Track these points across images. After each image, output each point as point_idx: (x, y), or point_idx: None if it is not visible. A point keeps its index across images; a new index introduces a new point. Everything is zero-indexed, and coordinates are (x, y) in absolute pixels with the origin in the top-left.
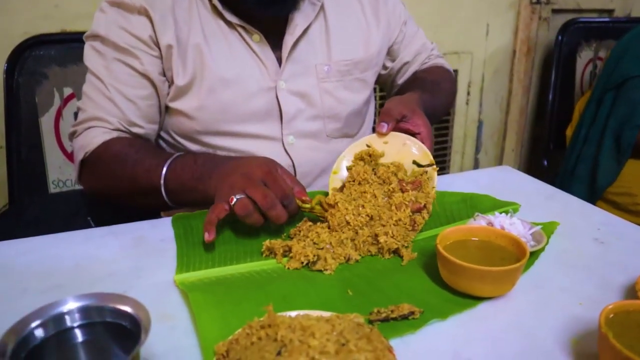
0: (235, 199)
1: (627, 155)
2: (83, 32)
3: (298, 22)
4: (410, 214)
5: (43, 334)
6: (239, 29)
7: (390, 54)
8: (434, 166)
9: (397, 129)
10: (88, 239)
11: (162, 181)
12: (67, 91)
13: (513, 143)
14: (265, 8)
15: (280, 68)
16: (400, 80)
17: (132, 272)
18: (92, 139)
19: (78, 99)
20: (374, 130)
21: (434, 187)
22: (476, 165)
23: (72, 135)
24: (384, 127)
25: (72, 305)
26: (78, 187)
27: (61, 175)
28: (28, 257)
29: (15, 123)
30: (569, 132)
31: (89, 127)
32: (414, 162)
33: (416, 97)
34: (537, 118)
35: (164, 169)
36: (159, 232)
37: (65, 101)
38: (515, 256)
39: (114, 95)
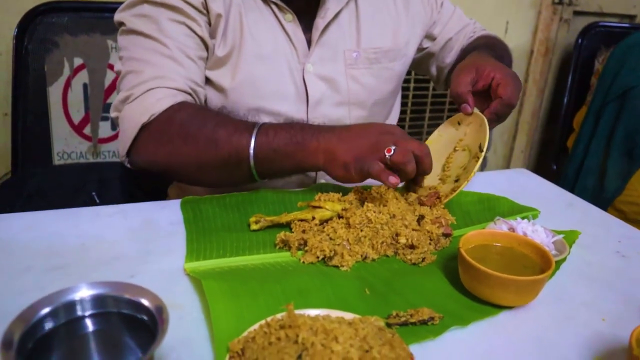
0: (392, 149)
1: (639, 165)
2: (97, 2)
3: (330, 5)
4: (440, 233)
5: (53, 322)
6: (273, 6)
7: (429, 35)
8: (483, 152)
9: (476, 93)
10: (95, 218)
11: (252, 145)
12: (78, 61)
13: (523, 144)
14: None
15: (309, 51)
16: (449, 59)
17: (139, 256)
18: (157, 101)
19: (88, 70)
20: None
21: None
22: (484, 164)
23: (124, 101)
24: (467, 108)
25: (85, 292)
26: (83, 160)
27: (66, 147)
28: (32, 233)
29: (23, 91)
30: (570, 143)
31: (150, 89)
32: (480, 147)
33: (474, 56)
34: (549, 121)
35: (254, 132)
36: (169, 214)
37: (75, 71)
38: (539, 265)
39: (176, 54)
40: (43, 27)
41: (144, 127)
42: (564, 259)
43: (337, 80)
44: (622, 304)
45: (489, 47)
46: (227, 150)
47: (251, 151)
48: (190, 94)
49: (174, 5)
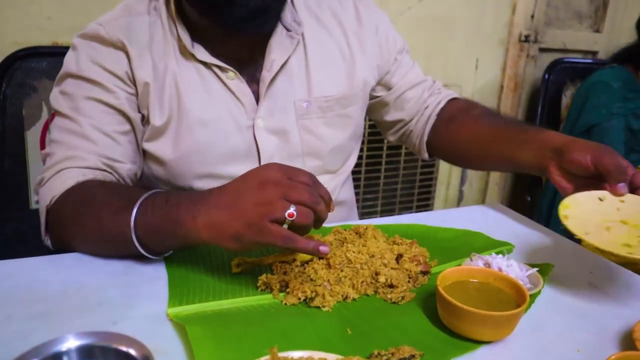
0: (293, 211)
1: None
2: None
3: (275, 56)
4: (418, 271)
5: None
6: (214, 68)
7: (385, 83)
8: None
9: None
10: (76, 263)
11: (132, 226)
12: None
13: (497, 177)
14: (246, 24)
15: (257, 105)
16: (405, 111)
17: (122, 302)
18: (61, 183)
19: None
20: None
21: None
22: (461, 197)
23: (39, 184)
24: (623, 188)
25: (72, 343)
26: None
27: None
28: (12, 280)
29: (0, 135)
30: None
31: (60, 170)
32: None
33: (564, 137)
34: None
35: (134, 212)
36: (150, 258)
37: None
38: (514, 300)
39: (89, 132)
40: (22, 72)
41: (49, 211)
42: (539, 292)
43: (289, 132)
44: (596, 333)
45: (497, 116)
46: (111, 231)
47: (132, 233)
48: (105, 171)
49: (93, 79)
